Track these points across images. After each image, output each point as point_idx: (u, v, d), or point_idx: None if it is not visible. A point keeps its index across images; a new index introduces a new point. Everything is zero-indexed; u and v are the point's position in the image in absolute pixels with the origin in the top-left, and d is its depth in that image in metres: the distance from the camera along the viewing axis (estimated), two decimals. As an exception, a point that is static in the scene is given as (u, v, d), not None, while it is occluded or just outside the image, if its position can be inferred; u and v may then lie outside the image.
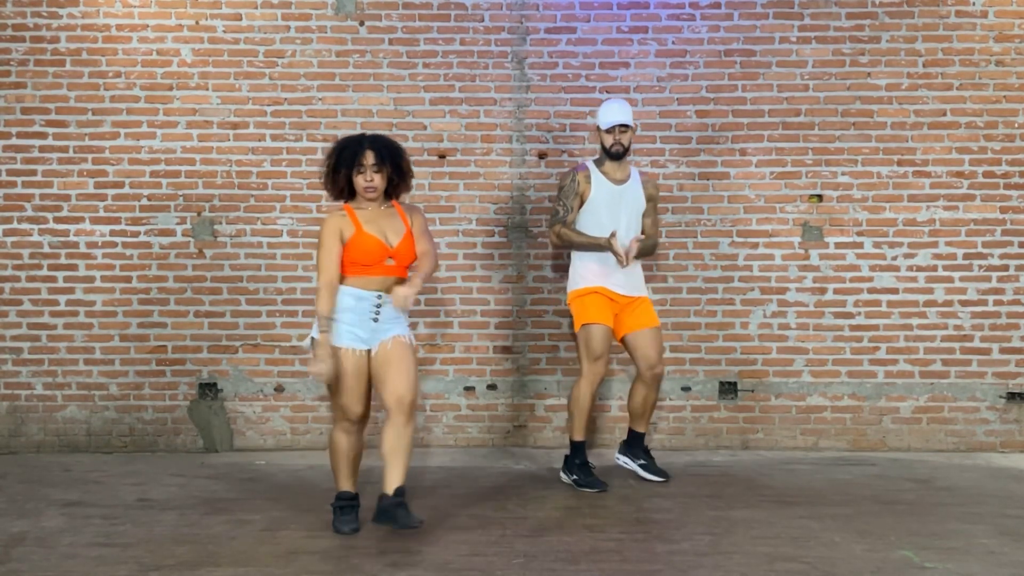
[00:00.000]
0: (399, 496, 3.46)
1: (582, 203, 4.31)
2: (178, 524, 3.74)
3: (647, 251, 4.42)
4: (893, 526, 3.71)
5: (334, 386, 3.56)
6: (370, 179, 3.54)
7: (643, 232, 4.38)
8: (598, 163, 4.36)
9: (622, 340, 4.37)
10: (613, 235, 4.18)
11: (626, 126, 4.25)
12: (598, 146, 4.37)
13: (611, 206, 4.27)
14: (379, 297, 3.54)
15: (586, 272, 4.30)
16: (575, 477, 4.29)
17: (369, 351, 3.57)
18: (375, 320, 3.55)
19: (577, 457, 4.32)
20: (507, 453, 5.02)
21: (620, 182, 4.32)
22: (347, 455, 3.62)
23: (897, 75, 5.04)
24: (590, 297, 4.27)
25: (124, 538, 3.57)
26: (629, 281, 4.31)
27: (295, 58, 5.05)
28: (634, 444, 4.46)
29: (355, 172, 3.55)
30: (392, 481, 3.47)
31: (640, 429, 4.44)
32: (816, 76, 5.06)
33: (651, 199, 4.41)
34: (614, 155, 4.28)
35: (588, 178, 4.30)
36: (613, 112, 4.25)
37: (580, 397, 4.30)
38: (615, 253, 4.17)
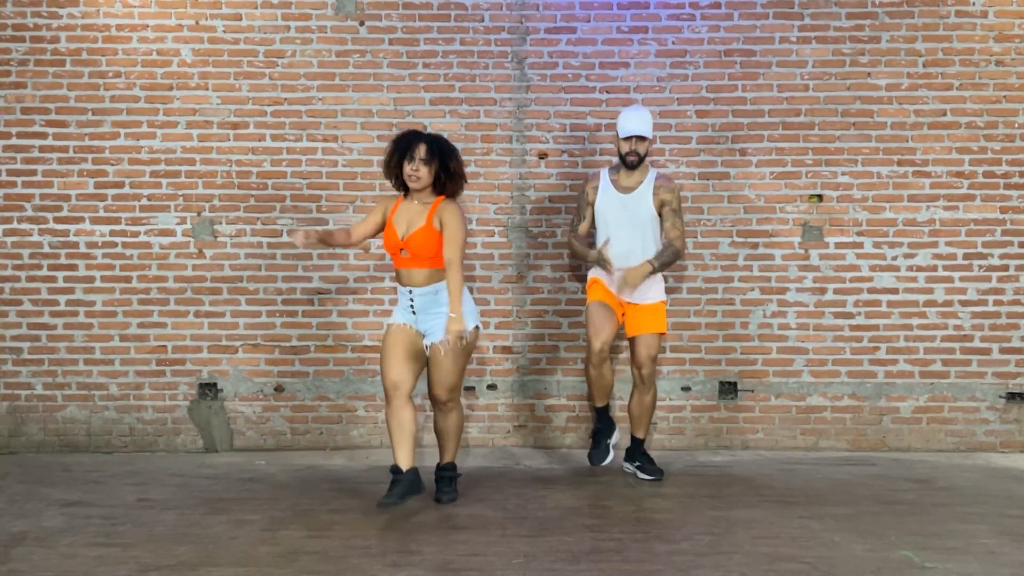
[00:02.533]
0: (445, 471, 4.07)
1: (593, 211, 4.45)
2: (178, 524, 3.74)
3: (667, 262, 4.38)
4: (893, 526, 3.71)
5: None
6: (416, 168, 3.80)
7: (665, 237, 4.39)
8: (614, 169, 4.44)
9: (629, 340, 4.48)
10: (605, 244, 4.34)
11: (643, 137, 4.28)
12: (613, 148, 4.49)
13: (615, 214, 4.34)
14: (410, 292, 3.88)
15: (600, 272, 4.48)
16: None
17: (423, 335, 3.92)
18: (413, 313, 3.90)
19: (595, 423, 4.58)
20: (507, 453, 5.02)
21: (628, 190, 4.36)
22: (393, 428, 3.87)
23: (897, 75, 5.04)
24: (599, 284, 4.44)
25: (124, 538, 3.57)
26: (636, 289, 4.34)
27: (295, 58, 5.06)
28: (633, 449, 4.53)
29: (405, 160, 3.83)
30: (442, 455, 4.11)
31: (636, 434, 4.51)
32: (816, 76, 5.06)
33: (665, 203, 4.36)
34: (630, 165, 4.33)
35: (596, 188, 4.42)
36: (631, 122, 4.27)
37: (584, 371, 4.56)
38: (603, 262, 4.34)
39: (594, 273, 4.47)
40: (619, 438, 4.60)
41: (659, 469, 4.43)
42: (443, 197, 3.91)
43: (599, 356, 4.32)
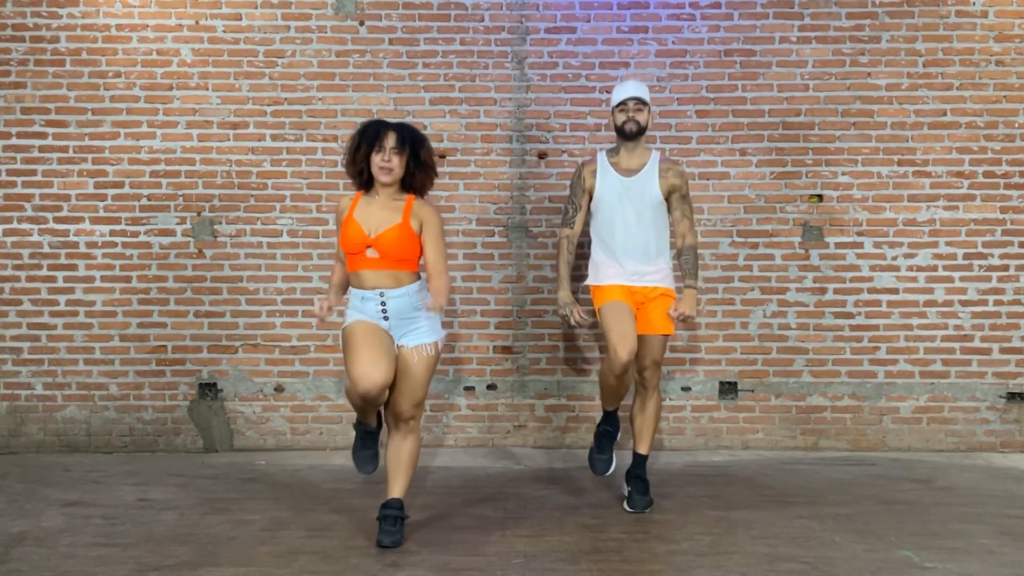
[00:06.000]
0: (391, 508, 3.49)
1: (591, 198, 4.03)
2: (178, 524, 3.75)
3: (694, 264, 4.01)
4: (893, 526, 3.71)
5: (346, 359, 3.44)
6: (387, 159, 3.44)
7: (674, 235, 4.03)
8: (612, 152, 4.04)
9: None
10: (572, 307, 4.02)
11: (641, 101, 3.89)
12: (612, 134, 4.07)
13: (618, 200, 3.95)
14: (381, 295, 3.43)
15: (601, 268, 4.03)
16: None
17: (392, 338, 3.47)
18: (386, 319, 3.45)
19: (602, 422, 4.12)
20: (507, 453, 5.02)
21: (630, 172, 3.96)
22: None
23: (897, 75, 5.05)
24: (605, 288, 3.99)
25: (124, 538, 3.57)
26: (647, 271, 3.95)
27: (295, 58, 5.06)
28: (632, 469, 4.03)
29: (374, 151, 3.46)
30: (392, 488, 3.53)
31: (638, 449, 4.02)
32: (816, 76, 5.06)
33: (674, 189, 3.97)
34: (628, 134, 3.90)
35: (594, 172, 4.01)
36: (627, 87, 3.92)
37: (601, 377, 4.04)
38: (566, 314, 4.02)
39: (610, 280, 3.98)
40: (620, 435, 4.17)
41: (648, 500, 3.94)
42: (414, 196, 3.55)
43: (623, 367, 3.80)
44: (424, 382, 3.49)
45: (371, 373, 3.29)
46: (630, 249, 3.96)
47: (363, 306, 3.46)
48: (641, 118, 3.92)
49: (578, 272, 4.41)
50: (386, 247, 3.43)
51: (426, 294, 3.50)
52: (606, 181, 4.00)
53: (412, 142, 3.49)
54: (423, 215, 3.51)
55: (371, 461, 3.69)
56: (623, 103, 3.92)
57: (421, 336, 3.48)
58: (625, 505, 3.96)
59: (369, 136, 3.48)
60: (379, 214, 3.48)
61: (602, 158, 4.05)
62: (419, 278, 3.53)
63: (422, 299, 3.48)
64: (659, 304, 3.96)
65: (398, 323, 3.46)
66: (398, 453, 3.52)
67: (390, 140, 3.45)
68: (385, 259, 3.44)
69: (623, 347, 3.77)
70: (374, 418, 3.62)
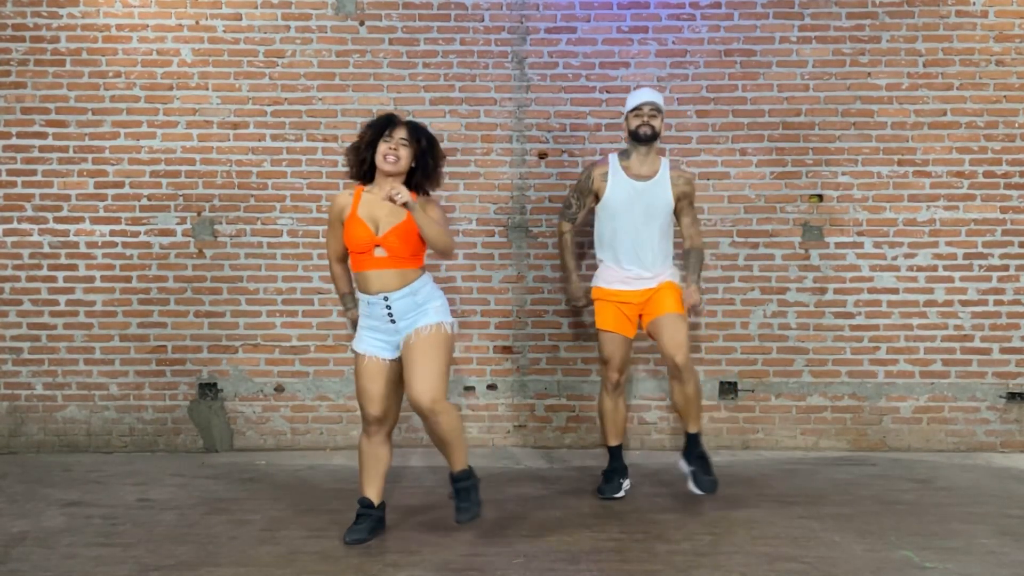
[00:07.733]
0: (459, 480, 3.55)
1: (598, 199, 4.13)
2: (178, 524, 3.75)
3: (698, 263, 4.23)
4: (893, 526, 3.71)
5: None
6: (394, 147, 3.40)
7: (684, 235, 4.22)
8: (623, 156, 4.12)
9: (648, 332, 4.11)
10: (584, 298, 4.30)
11: (656, 108, 3.99)
12: (613, 148, 4.15)
13: (628, 206, 4.03)
14: (385, 299, 3.41)
15: (605, 271, 4.16)
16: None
17: (396, 358, 3.50)
18: (392, 322, 3.44)
19: (608, 464, 4.23)
20: (507, 453, 5.02)
21: (643, 178, 4.05)
22: (367, 460, 3.56)
23: (897, 75, 5.04)
24: (605, 304, 4.12)
25: (124, 538, 3.57)
26: (647, 276, 4.06)
27: (295, 58, 5.06)
28: (688, 446, 4.11)
29: (382, 139, 3.41)
30: (451, 464, 3.56)
31: (688, 428, 4.09)
32: (816, 76, 5.06)
33: (684, 196, 4.11)
34: (642, 138, 3.98)
35: (605, 175, 4.09)
36: (642, 93, 4.01)
37: (598, 403, 4.28)
38: (576, 304, 4.39)
39: (613, 285, 4.11)
40: (630, 486, 4.21)
41: (713, 480, 4.01)
42: (415, 193, 3.49)
43: (615, 385, 4.13)
44: (433, 369, 3.37)
45: (373, 410, 3.48)
46: (633, 253, 4.09)
47: (370, 311, 3.47)
48: (656, 123, 4.02)
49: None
50: (394, 246, 3.40)
51: (432, 287, 3.52)
52: (616, 185, 4.09)
53: (427, 142, 3.47)
54: (425, 207, 3.46)
55: (357, 532, 3.53)
56: (638, 107, 4.01)
57: (426, 319, 3.43)
58: (691, 487, 4.04)
59: (379, 125, 3.46)
60: (385, 212, 3.43)
61: (613, 161, 4.14)
62: (424, 272, 3.51)
63: (424, 287, 3.48)
64: (664, 291, 4.07)
65: (404, 322, 3.45)
66: (438, 434, 3.45)
67: (400, 131, 3.43)
68: (393, 258, 3.41)
69: (612, 367, 4.11)
70: (371, 483, 3.57)
